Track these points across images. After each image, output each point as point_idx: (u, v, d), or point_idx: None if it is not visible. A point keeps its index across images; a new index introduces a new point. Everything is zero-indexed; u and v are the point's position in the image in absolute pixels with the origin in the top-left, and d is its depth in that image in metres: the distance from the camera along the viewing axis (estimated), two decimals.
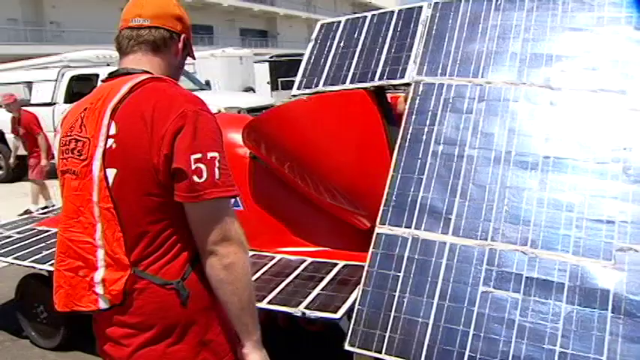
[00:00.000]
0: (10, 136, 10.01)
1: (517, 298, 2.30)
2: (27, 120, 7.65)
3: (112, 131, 1.40)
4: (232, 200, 1.47)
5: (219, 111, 6.15)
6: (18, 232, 4.06)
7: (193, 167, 1.34)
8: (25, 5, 32.58)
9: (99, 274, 1.42)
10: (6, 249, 3.76)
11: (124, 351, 1.45)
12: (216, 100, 10.14)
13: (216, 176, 1.36)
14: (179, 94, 1.43)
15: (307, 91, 3.44)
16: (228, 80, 17.23)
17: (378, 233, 2.69)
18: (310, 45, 3.62)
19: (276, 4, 52.41)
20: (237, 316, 1.42)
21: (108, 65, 11.35)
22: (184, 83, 11.44)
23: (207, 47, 28.93)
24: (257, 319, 1.45)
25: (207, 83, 12.74)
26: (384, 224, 2.70)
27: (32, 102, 10.69)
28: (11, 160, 8.71)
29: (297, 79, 3.54)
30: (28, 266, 3.52)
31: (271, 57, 20.38)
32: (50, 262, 3.44)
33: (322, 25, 3.68)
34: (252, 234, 3.60)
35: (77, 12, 33.55)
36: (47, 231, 4.03)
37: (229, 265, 1.38)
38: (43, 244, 3.77)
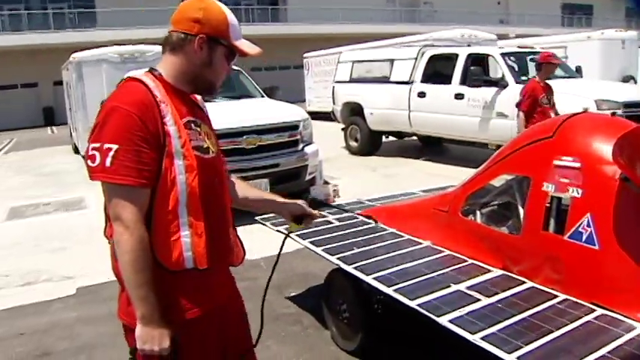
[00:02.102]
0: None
1: None
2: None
3: None
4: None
5: (587, 108, 4.84)
6: (338, 219, 3.86)
7: (90, 153, 1.59)
8: None
9: None
10: (322, 236, 3.56)
11: None
12: (585, 91, 8.73)
13: (107, 164, 1.55)
14: (118, 92, 1.67)
15: None
16: (605, 67, 14.96)
17: None
18: None
19: None
20: (126, 287, 1.61)
21: (469, 45, 10.82)
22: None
23: (585, 29, 26.27)
24: (142, 297, 1.57)
25: (578, 70, 11.10)
26: None
27: (391, 80, 10.89)
28: None
29: None
30: (334, 263, 3.24)
31: None
32: (355, 265, 3.09)
33: None
34: (607, 285, 2.60)
35: None
36: (366, 223, 3.73)
37: (116, 241, 1.59)
38: (354, 239, 3.46)
